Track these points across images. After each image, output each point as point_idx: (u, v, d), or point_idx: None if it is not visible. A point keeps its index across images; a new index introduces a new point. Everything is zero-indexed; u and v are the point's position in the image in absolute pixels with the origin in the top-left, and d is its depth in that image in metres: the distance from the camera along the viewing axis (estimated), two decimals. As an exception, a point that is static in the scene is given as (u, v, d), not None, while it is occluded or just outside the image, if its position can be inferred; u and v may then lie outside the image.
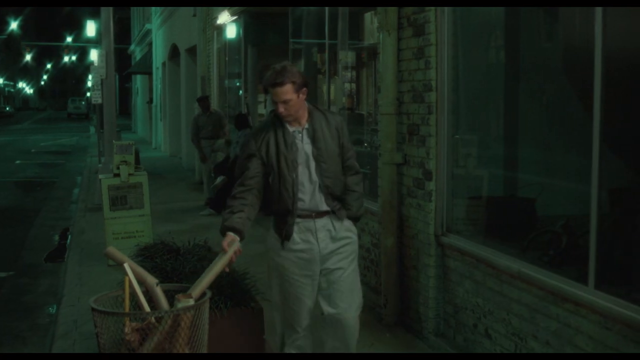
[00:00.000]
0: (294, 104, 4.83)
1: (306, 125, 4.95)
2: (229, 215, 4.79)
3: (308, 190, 4.92)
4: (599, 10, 4.56)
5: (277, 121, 4.94)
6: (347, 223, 5.07)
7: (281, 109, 4.80)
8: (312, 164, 4.91)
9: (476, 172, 6.77)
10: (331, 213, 4.98)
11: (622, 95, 4.88)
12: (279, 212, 4.97)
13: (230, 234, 4.68)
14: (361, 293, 5.17)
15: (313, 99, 11.73)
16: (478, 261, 5.84)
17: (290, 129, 4.93)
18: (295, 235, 4.93)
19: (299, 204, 4.90)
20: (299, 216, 4.92)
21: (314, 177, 4.92)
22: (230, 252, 4.56)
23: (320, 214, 4.95)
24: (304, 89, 4.87)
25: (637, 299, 4.28)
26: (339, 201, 5.02)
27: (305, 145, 4.92)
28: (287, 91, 4.78)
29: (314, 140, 4.92)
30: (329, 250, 4.97)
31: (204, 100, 15.01)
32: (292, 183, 4.86)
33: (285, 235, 4.95)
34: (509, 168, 6.70)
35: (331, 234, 4.98)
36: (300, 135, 4.93)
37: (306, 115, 4.96)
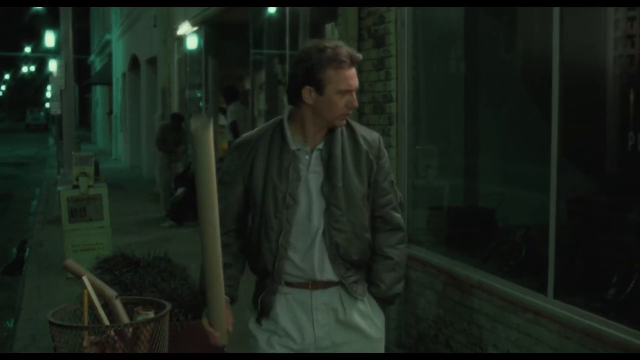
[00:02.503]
0: None
1: (320, 145, 3.30)
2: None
3: (303, 245, 3.27)
4: (556, 22, 4.61)
5: (277, 131, 3.34)
6: (369, 306, 3.39)
7: (355, 101, 3.30)
8: (318, 206, 3.26)
9: (437, 182, 6.80)
10: (340, 285, 3.31)
11: (580, 106, 4.93)
12: (257, 271, 3.40)
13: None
14: None
15: (274, 110, 11.73)
16: (439, 272, 5.86)
17: (293, 145, 3.28)
18: (280, 313, 3.33)
19: (286, 265, 3.28)
20: (288, 283, 3.31)
21: (316, 225, 3.26)
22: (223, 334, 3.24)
23: (321, 285, 3.29)
24: None
25: (595, 308, 4.32)
26: (357, 270, 3.34)
27: (311, 175, 3.28)
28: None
29: (328, 169, 3.27)
30: (332, 342, 3.33)
31: (177, 118, 14.96)
32: (279, 230, 3.25)
33: (261, 309, 3.36)
34: (469, 178, 6.75)
35: (338, 317, 3.32)
36: (307, 157, 3.29)
37: (325, 129, 3.32)
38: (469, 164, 6.70)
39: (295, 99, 3.28)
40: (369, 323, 3.36)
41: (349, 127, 3.37)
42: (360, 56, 3.29)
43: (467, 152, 6.77)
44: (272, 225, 3.25)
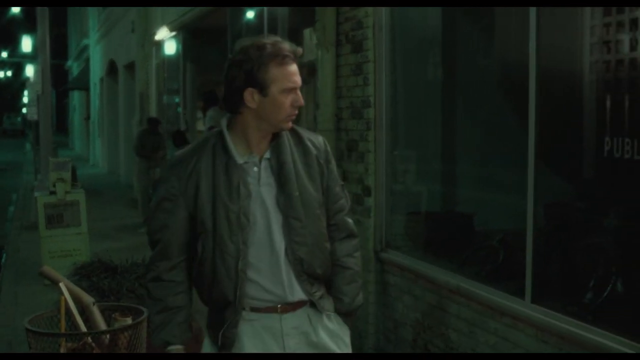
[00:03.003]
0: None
1: (267, 153, 3.04)
2: (162, 317, 3.08)
3: (266, 266, 3.00)
4: (533, 27, 4.63)
5: (218, 144, 3.03)
6: (336, 322, 3.16)
7: (301, 99, 3.01)
8: (277, 221, 3.00)
9: (415, 187, 6.82)
10: (308, 305, 3.07)
11: (556, 111, 4.96)
12: (213, 302, 3.09)
13: (175, 350, 3.08)
14: None
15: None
16: (417, 276, 5.87)
17: (239, 158, 2.99)
18: (247, 343, 3.01)
19: (251, 290, 2.99)
20: (254, 309, 3.02)
21: (278, 242, 3.00)
22: None
23: (290, 307, 3.03)
24: None
25: (572, 312, 4.35)
26: (322, 284, 3.13)
27: (263, 189, 3.01)
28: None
29: (280, 179, 3.01)
30: None
31: (154, 122, 14.91)
32: (236, 254, 2.96)
33: (222, 345, 3.03)
34: (447, 183, 6.76)
35: (310, 340, 3.08)
36: (255, 169, 3.01)
37: (269, 135, 3.05)
38: (447, 169, 6.72)
39: (236, 105, 2.98)
40: (339, 343, 3.14)
41: (293, 131, 3.11)
42: (301, 50, 3.01)
43: (445, 157, 6.79)
44: (228, 251, 2.95)
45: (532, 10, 4.62)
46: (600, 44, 4.89)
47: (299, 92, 2.99)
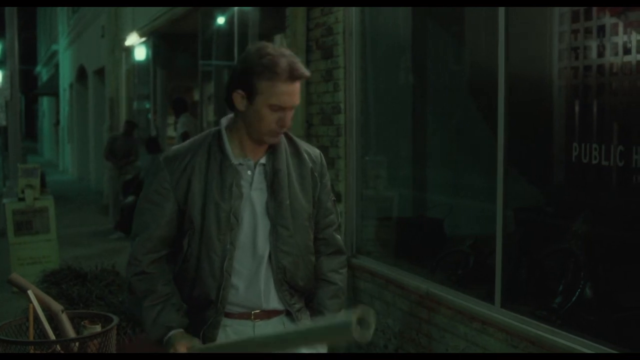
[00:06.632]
0: None
1: (262, 159, 3.01)
2: (156, 306, 2.97)
3: (246, 271, 2.95)
4: (502, 33, 4.66)
5: (215, 142, 3.00)
6: None
7: (288, 121, 2.92)
8: (263, 227, 2.96)
9: (386, 193, 6.83)
10: (285, 314, 3.01)
11: (525, 117, 5.00)
12: (193, 301, 3.01)
13: (178, 334, 2.92)
14: None
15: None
16: (388, 282, 5.88)
17: (235, 159, 2.96)
18: None
19: (230, 294, 2.94)
20: (228, 314, 2.96)
21: (261, 248, 2.96)
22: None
23: (265, 314, 2.98)
24: None
25: (541, 317, 4.37)
26: (301, 297, 3.06)
27: (254, 193, 2.97)
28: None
29: (272, 185, 2.97)
30: None
31: (130, 125, 14.83)
32: (222, 254, 2.92)
33: (202, 343, 2.96)
34: (418, 189, 6.79)
35: None
36: (249, 173, 2.98)
37: (264, 143, 3.00)
38: (418, 174, 6.74)
39: (227, 103, 2.97)
40: (316, 348, 3.03)
41: (291, 141, 3.07)
42: (306, 72, 2.92)
43: (415, 163, 6.82)
44: (214, 249, 2.91)
45: (501, 16, 4.65)
46: (568, 50, 4.94)
47: (288, 113, 2.89)
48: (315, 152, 3.16)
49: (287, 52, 2.91)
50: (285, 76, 2.82)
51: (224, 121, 3.06)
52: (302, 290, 3.05)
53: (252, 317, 2.96)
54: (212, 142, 3.00)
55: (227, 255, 2.91)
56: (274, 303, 2.98)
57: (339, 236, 3.24)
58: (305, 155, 3.09)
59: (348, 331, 2.43)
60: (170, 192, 2.96)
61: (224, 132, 3.01)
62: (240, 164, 2.96)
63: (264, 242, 2.95)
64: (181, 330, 2.94)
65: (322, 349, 3.11)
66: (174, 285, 3.02)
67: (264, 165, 2.99)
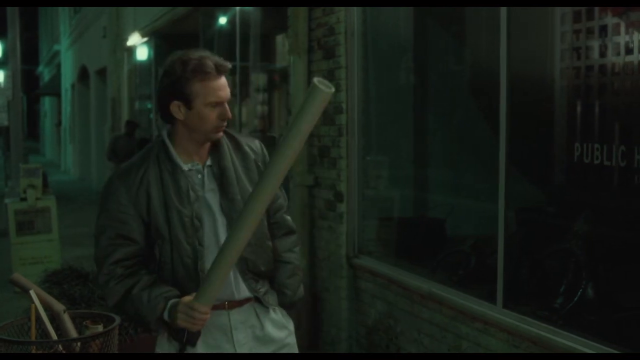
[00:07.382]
0: None
1: (208, 161, 3.16)
2: (145, 290, 3.08)
3: None
4: (503, 34, 4.66)
5: (161, 153, 3.12)
6: (280, 314, 3.31)
7: (228, 112, 3.07)
8: (222, 224, 3.13)
9: (387, 193, 6.83)
10: (254, 300, 3.21)
11: (527, 117, 5.00)
12: None
13: (177, 300, 3.01)
14: None
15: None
16: (389, 282, 5.88)
17: (184, 165, 3.10)
18: (198, 341, 3.10)
19: None
20: None
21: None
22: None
23: (237, 303, 3.17)
24: None
25: (543, 317, 4.37)
26: (266, 280, 3.28)
27: (208, 194, 3.13)
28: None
29: (222, 184, 3.14)
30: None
31: (132, 125, 14.84)
32: (194, 256, 3.07)
33: (187, 339, 3.06)
34: (419, 189, 6.79)
35: (256, 334, 3.22)
36: (199, 176, 3.13)
37: (207, 143, 3.16)
38: (419, 174, 6.74)
39: (167, 115, 3.08)
40: (285, 332, 3.30)
41: (231, 137, 3.23)
42: (228, 64, 3.08)
43: (417, 163, 6.82)
44: (187, 253, 3.06)
45: (503, 16, 4.65)
46: (570, 50, 4.94)
47: (226, 106, 3.06)
48: (255, 143, 3.33)
49: (205, 51, 3.09)
50: (214, 73, 3.01)
51: (165, 131, 3.18)
52: (265, 275, 3.25)
53: (226, 307, 3.14)
54: (159, 154, 3.12)
55: (198, 256, 3.07)
56: (244, 292, 3.16)
57: (288, 217, 3.42)
58: (247, 148, 3.25)
59: (317, 91, 2.62)
60: (130, 207, 3.07)
61: (167, 141, 3.14)
62: (190, 169, 3.11)
63: (224, 238, 3.02)
64: (178, 298, 3.01)
65: (291, 335, 3.32)
66: (156, 275, 3.12)
67: (210, 166, 3.14)
